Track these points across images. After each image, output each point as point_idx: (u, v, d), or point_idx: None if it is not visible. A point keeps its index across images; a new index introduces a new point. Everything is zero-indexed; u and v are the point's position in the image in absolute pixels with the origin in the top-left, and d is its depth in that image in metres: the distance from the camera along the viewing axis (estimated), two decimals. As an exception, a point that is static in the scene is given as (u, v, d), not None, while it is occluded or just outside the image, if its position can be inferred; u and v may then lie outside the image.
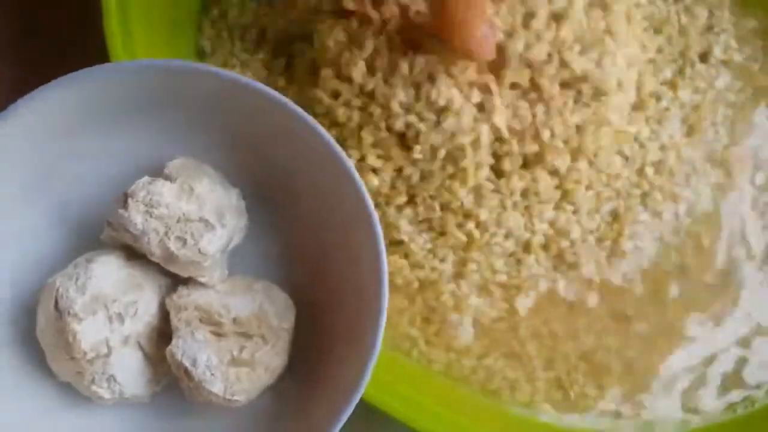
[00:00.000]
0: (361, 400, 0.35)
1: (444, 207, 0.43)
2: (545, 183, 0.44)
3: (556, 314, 0.45)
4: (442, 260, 0.44)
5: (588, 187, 0.45)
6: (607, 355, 0.45)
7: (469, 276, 0.44)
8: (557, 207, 0.44)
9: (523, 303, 0.45)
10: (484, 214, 0.43)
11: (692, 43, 0.49)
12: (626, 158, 0.46)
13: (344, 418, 0.34)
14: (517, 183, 0.43)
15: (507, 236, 0.44)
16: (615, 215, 0.46)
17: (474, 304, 0.44)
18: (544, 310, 0.45)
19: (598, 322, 0.45)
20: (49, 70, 0.36)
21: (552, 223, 0.45)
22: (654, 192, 0.46)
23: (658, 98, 0.47)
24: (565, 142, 0.43)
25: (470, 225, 0.43)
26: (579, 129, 0.44)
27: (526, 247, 0.44)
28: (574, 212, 0.45)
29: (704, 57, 0.49)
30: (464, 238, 0.43)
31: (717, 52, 0.49)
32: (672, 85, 0.48)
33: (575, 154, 0.44)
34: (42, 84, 0.35)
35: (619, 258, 0.46)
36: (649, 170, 0.46)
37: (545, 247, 0.45)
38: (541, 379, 0.44)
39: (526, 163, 0.43)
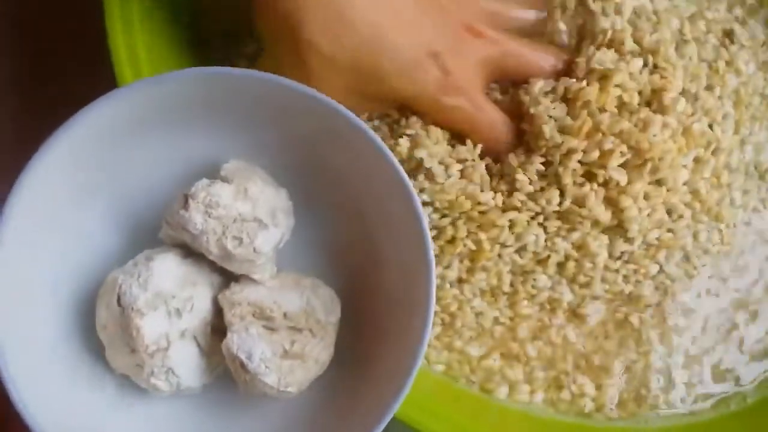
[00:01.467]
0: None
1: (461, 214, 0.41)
2: (594, 200, 0.39)
3: (556, 316, 0.45)
4: (447, 267, 0.43)
5: (643, 208, 0.40)
6: (606, 356, 0.45)
7: (474, 283, 0.43)
8: (607, 230, 0.40)
9: (525, 309, 0.44)
10: (501, 228, 0.41)
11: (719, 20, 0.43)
12: (690, 170, 0.40)
13: (395, 408, 0.35)
14: (559, 198, 0.40)
15: (520, 251, 0.42)
16: (660, 240, 0.41)
17: (476, 306, 0.44)
18: (546, 314, 0.45)
19: (600, 327, 0.45)
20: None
21: (579, 246, 0.41)
22: (701, 214, 0.42)
23: (710, 87, 0.41)
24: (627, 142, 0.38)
25: (482, 235, 0.41)
26: (644, 122, 0.39)
27: (541, 263, 0.43)
28: (624, 238, 0.41)
29: (730, 37, 0.44)
30: (473, 247, 0.42)
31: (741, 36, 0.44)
32: (713, 69, 0.42)
33: (637, 158, 0.39)
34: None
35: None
36: (704, 185, 0.41)
37: (561, 265, 0.43)
38: (540, 378, 0.45)
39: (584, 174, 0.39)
